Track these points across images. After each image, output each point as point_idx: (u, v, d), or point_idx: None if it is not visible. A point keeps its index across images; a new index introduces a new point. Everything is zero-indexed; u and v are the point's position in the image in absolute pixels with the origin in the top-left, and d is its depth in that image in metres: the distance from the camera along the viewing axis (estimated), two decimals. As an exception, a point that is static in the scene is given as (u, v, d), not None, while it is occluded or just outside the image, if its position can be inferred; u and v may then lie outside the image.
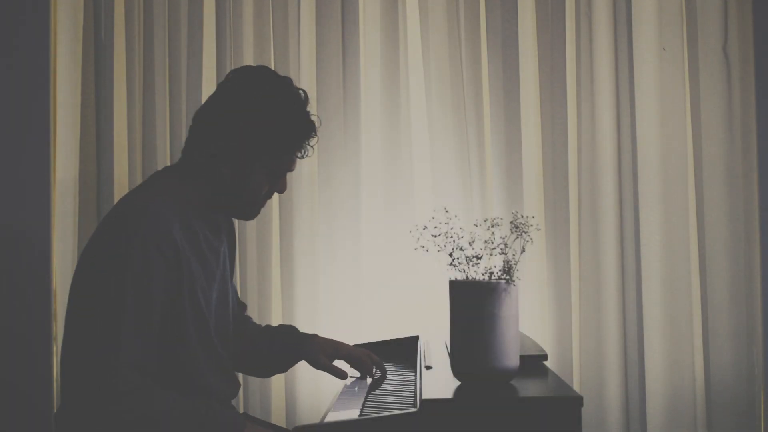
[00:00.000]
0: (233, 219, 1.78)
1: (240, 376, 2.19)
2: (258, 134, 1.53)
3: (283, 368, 1.88)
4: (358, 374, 1.92)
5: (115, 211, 1.50)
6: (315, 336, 1.87)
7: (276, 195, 2.46)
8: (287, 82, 1.58)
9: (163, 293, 1.46)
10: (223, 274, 1.66)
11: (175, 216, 1.50)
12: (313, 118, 1.59)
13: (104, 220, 1.50)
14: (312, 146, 1.61)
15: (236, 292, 1.86)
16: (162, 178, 1.59)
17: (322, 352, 1.84)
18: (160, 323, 1.46)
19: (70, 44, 2.55)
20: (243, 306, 1.89)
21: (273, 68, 2.49)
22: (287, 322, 2.46)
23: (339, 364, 1.86)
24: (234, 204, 1.60)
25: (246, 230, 2.49)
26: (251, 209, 1.63)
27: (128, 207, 1.49)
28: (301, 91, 1.59)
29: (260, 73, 1.59)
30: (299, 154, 1.61)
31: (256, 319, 2.46)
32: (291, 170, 1.62)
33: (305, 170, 2.51)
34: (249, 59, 2.52)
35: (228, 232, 1.75)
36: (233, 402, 2.38)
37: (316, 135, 1.60)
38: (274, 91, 1.55)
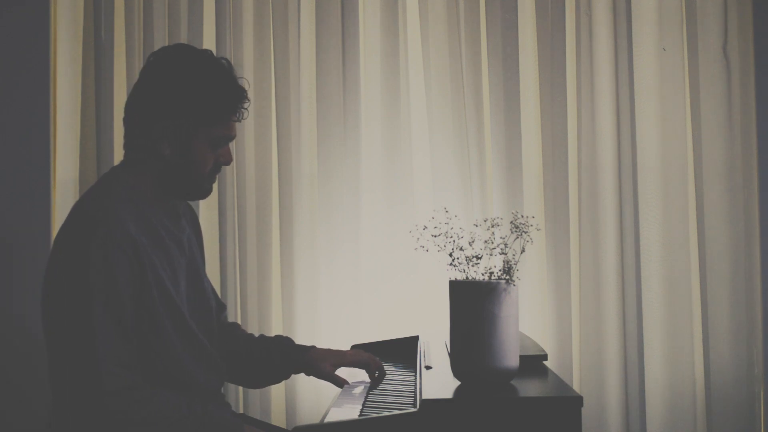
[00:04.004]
0: (192, 206, 1.79)
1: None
2: (189, 107, 1.55)
3: (278, 380, 1.87)
4: (358, 380, 1.90)
5: (69, 218, 1.52)
6: (314, 347, 1.86)
7: (278, 199, 2.48)
8: (207, 53, 1.62)
9: (131, 289, 1.47)
10: (191, 261, 1.67)
11: (129, 210, 1.52)
12: (240, 81, 1.62)
13: (61, 229, 1.52)
14: (246, 108, 1.63)
15: (213, 288, 1.82)
16: (110, 176, 1.61)
17: (326, 361, 1.82)
18: (134, 319, 1.48)
19: (70, 44, 2.55)
20: (222, 306, 1.87)
21: (273, 68, 2.52)
22: (287, 322, 2.46)
23: (344, 371, 1.85)
24: (183, 183, 1.61)
25: (246, 230, 2.49)
26: (201, 186, 1.63)
27: (81, 211, 1.51)
28: (223, 60, 1.62)
29: (179, 49, 1.62)
30: (234, 118, 1.62)
31: (256, 319, 2.47)
32: (232, 138, 1.63)
33: (305, 170, 2.51)
34: (249, 59, 2.52)
35: (190, 219, 1.75)
36: (232, 403, 2.40)
37: (246, 97, 1.62)
38: (196, 62, 1.58)
